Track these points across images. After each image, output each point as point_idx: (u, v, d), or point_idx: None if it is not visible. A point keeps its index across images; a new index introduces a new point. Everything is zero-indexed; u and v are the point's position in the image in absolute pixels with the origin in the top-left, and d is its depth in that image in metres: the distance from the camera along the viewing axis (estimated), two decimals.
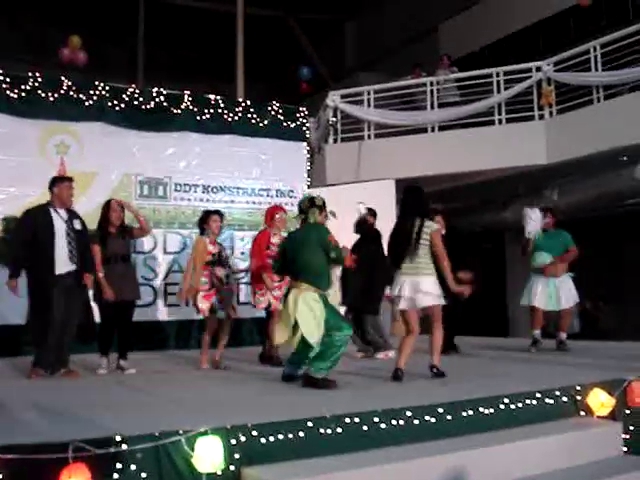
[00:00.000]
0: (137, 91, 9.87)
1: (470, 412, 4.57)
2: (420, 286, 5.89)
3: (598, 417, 5.03)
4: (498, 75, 11.79)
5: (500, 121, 11.74)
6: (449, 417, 4.48)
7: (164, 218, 9.80)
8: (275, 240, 7.43)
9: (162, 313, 9.61)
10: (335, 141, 12.56)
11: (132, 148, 9.68)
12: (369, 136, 12.38)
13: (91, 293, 6.80)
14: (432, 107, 12.23)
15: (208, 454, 3.53)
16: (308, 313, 5.53)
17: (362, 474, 3.79)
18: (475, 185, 12.42)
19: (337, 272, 8.22)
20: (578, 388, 5.12)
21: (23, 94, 9.03)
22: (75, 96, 9.34)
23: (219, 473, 3.61)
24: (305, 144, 11.21)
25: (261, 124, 10.70)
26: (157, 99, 9.90)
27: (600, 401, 5.02)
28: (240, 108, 10.60)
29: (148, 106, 9.83)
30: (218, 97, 10.46)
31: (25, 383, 6.14)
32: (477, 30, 16.82)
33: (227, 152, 10.37)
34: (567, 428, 4.77)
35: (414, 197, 6.21)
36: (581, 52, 10.98)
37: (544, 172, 11.62)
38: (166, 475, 3.55)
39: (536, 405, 4.88)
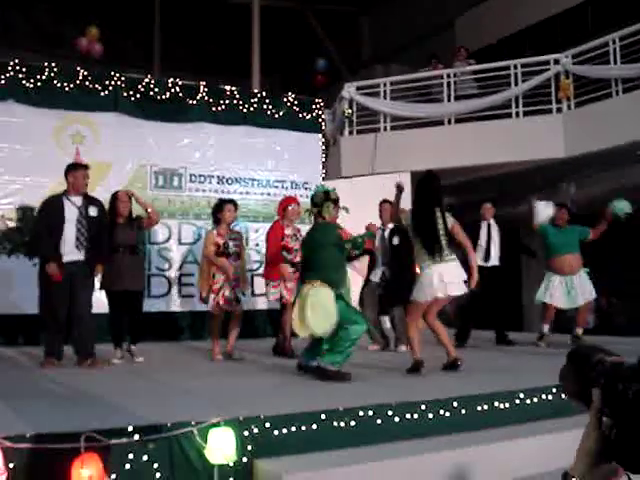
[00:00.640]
0: (152, 82, 9.86)
1: (485, 406, 4.53)
2: (446, 274, 5.84)
3: None
4: (516, 67, 11.68)
5: (517, 114, 11.63)
6: (464, 411, 4.44)
7: (179, 209, 9.81)
8: (288, 232, 7.40)
9: (176, 304, 9.62)
10: (351, 133, 12.49)
11: (147, 139, 9.68)
12: (385, 128, 12.31)
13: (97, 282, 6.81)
14: (449, 99, 12.15)
15: (220, 445, 3.51)
16: (319, 306, 5.50)
17: (375, 467, 3.76)
18: (492, 178, 12.32)
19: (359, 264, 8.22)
20: None
21: (39, 84, 9.05)
22: (91, 86, 9.36)
23: (231, 465, 3.58)
24: (320, 136, 11.17)
25: (276, 115, 10.66)
26: (172, 90, 9.89)
27: None
28: (255, 99, 10.57)
29: (164, 97, 9.82)
30: (233, 88, 10.43)
31: (37, 373, 6.15)
32: (494, 23, 16.66)
33: (242, 143, 10.35)
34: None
35: (431, 186, 6.15)
36: (600, 45, 10.85)
37: (562, 165, 11.51)
38: (178, 466, 3.54)
39: (552, 400, 4.84)
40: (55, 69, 9.14)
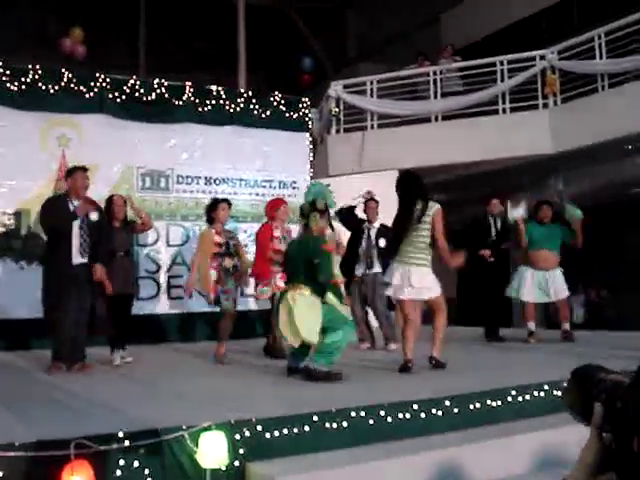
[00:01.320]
0: (138, 83, 9.77)
1: (478, 405, 4.52)
2: (411, 278, 5.83)
3: None
4: (502, 64, 11.71)
5: (504, 110, 11.66)
6: (456, 410, 4.43)
7: (166, 210, 9.73)
8: (277, 233, 7.37)
9: (165, 306, 9.56)
10: (338, 132, 12.49)
11: (134, 140, 9.58)
12: (372, 126, 12.30)
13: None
14: (435, 97, 12.15)
15: (212, 449, 3.48)
16: (305, 310, 5.47)
17: (368, 468, 3.74)
18: (480, 175, 12.34)
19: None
20: None
21: (23, 87, 8.94)
22: (76, 88, 9.25)
23: (223, 469, 3.56)
24: (307, 135, 11.12)
25: (263, 115, 10.60)
26: (158, 90, 9.81)
27: None
28: (242, 99, 10.51)
29: (149, 98, 9.74)
30: (220, 88, 10.37)
31: (26, 378, 6.09)
32: (479, 19, 16.65)
33: (229, 143, 10.27)
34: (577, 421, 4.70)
35: (413, 183, 6.13)
36: (585, 40, 10.89)
37: (549, 161, 11.54)
38: (170, 471, 3.50)
39: (544, 397, 4.83)
40: (39, 71, 9.03)
